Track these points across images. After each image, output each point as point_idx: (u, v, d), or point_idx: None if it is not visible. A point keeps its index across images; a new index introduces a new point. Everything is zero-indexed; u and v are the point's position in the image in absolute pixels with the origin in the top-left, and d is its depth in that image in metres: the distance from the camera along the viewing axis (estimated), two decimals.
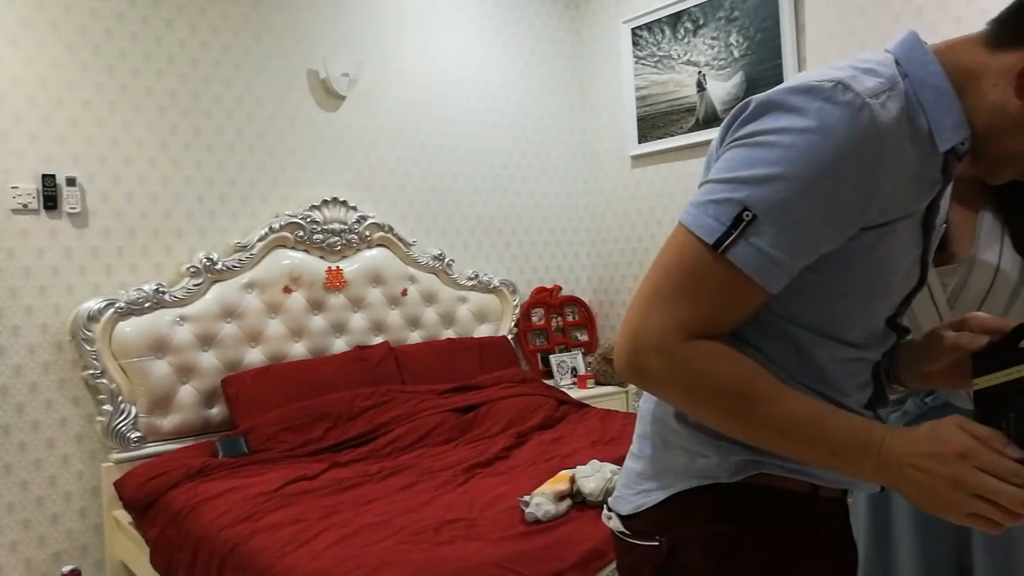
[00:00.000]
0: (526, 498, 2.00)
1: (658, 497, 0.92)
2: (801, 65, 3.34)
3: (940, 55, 0.84)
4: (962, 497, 0.73)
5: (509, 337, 3.84)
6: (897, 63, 0.84)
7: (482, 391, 3.26)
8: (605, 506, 1.03)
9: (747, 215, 0.77)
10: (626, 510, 0.97)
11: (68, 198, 2.82)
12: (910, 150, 0.81)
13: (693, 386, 0.81)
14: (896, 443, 0.77)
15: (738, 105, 0.84)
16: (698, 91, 3.72)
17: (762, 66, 3.45)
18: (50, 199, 2.78)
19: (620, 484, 1.01)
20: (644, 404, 1.00)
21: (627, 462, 1.01)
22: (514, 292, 3.94)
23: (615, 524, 0.99)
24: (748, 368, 0.81)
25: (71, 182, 2.82)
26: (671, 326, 0.80)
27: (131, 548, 2.65)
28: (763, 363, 0.83)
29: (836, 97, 0.77)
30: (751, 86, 3.49)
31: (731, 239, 0.78)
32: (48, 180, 2.78)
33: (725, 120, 0.86)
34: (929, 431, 0.77)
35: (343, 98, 3.48)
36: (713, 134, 3.64)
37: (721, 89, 3.62)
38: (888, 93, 0.80)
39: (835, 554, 0.96)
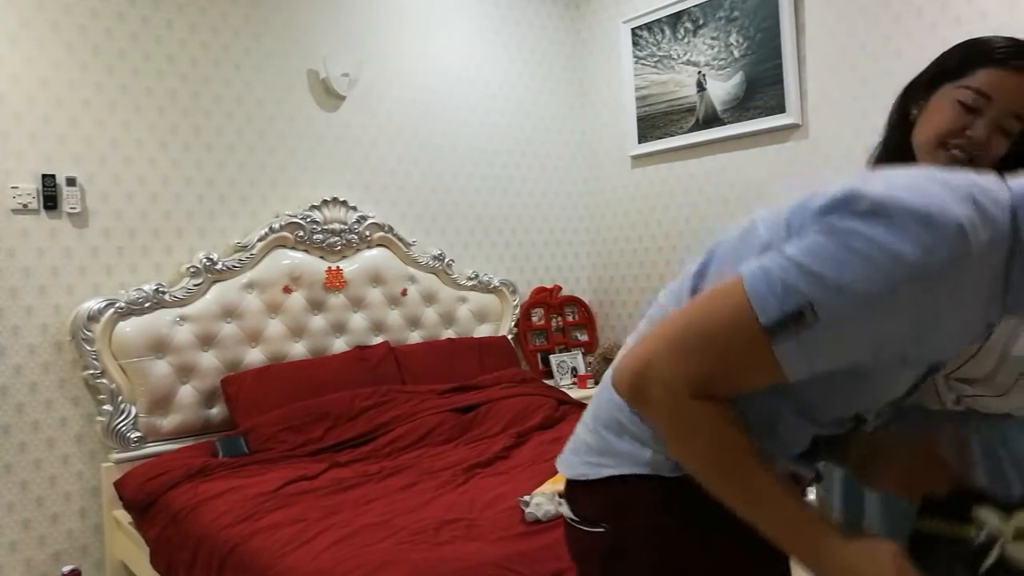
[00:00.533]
0: (526, 498, 2.00)
1: (602, 473, 0.95)
2: (801, 65, 3.34)
3: None
4: None
5: (509, 337, 3.84)
6: (1014, 214, 0.80)
7: (482, 391, 3.26)
8: (557, 495, 1.05)
9: (811, 315, 0.76)
10: (570, 474, 1.00)
11: (68, 198, 2.82)
12: (980, 307, 0.80)
13: (682, 435, 0.83)
14: (835, 548, 0.80)
15: (851, 187, 0.78)
16: (698, 91, 3.72)
17: (762, 66, 3.45)
18: (50, 199, 2.78)
19: (568, 448, 1.04)
20: (603, 388, 1.01)
21: (579, 429, 1.03)
22: (514, 292, 3.94)
23: (566, 511, 1.02)
24: (738, 445, 0.82)
25: (71, 182, 2.82)
26: (688, 375, 0.81)
27: (131, 548, 2.65)
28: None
29: (951, 244, 0.74)
30: (751, 86, 3.49)
31: (785, 330, 0.77)
32: (48, 180, 2.78)
33: (834, 192, 0.80)
34: (868, 550, 0.80)
35: (343, 98, 3.48)
36: (714, 134, 3.65)
37: (721, 89, 3.62)
38: (994, 251, 0.77)
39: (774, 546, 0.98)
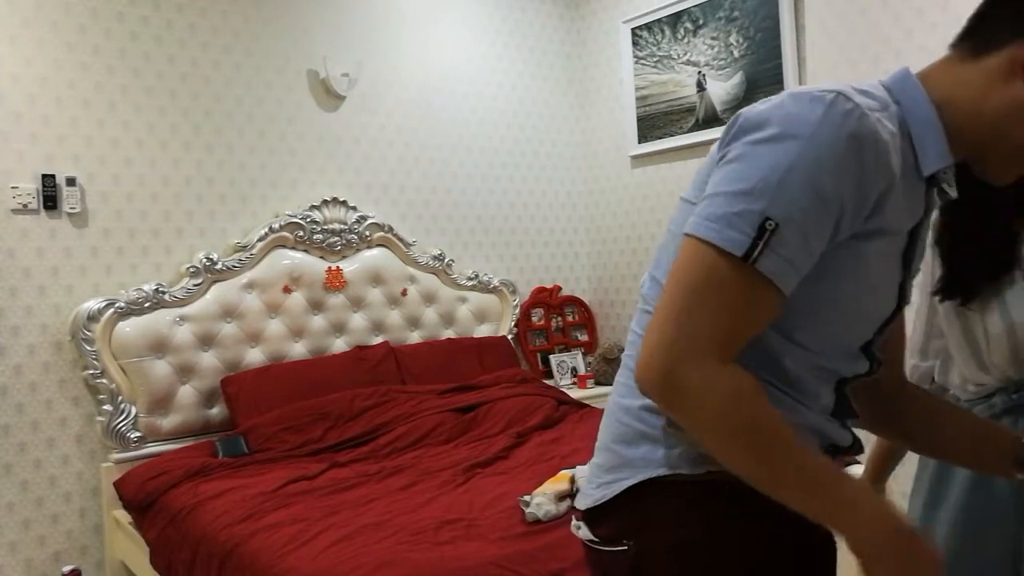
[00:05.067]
0: (527, 498, 2.00)
1: (620, 488, 0.92)
2: (801, 65, 3.34)
3: (933, 91, 0.89)
4: None
5: (509, 337, 3.84)
6: (889, 91, 0.89)
7: (482, 391, 3.26)
8: (573, 518, 1.02)
9: (770, 224, 0.79)
10: (587, 504, 0.97)
11: (68, 198, 2.82)
12: (900, 169, 0.84)
13: (725, 411, 0.80)
14: (882, 514, 0.82)
15: (733, 117, 0.87)
16: (698, 91, 3.72)
17: (762, 66, 3.45)
18: (50, 199, 2.78)
19: (584, 481, 1.00)
20: (614, 394, 0.99)
21: (590, 463, 1.01)
22: (514, 292, 3.94)
23: (584, 533, 0.98)
24: (774, 412, 0.82)
25: (71, 182, 2.82)
26: (706, 344, 0.80)
27: (131, 548, 2.65)
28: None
29: (838, 105, 0.81)
30: (751, 86, 3.49)
31: (759, 250, 0.79)
32: (48, 180, 2.78)
33: (723, 133, 0.88)
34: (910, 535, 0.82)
35: (343, 98, 3.48)
36: (714, 134, 3.64)
37: (721, 89, 3.62)
38: (883, 112, 0.84)
39: (800, 549, 0.94)
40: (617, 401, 0.97)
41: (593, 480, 0.97)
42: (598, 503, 0.95)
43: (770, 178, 0.80)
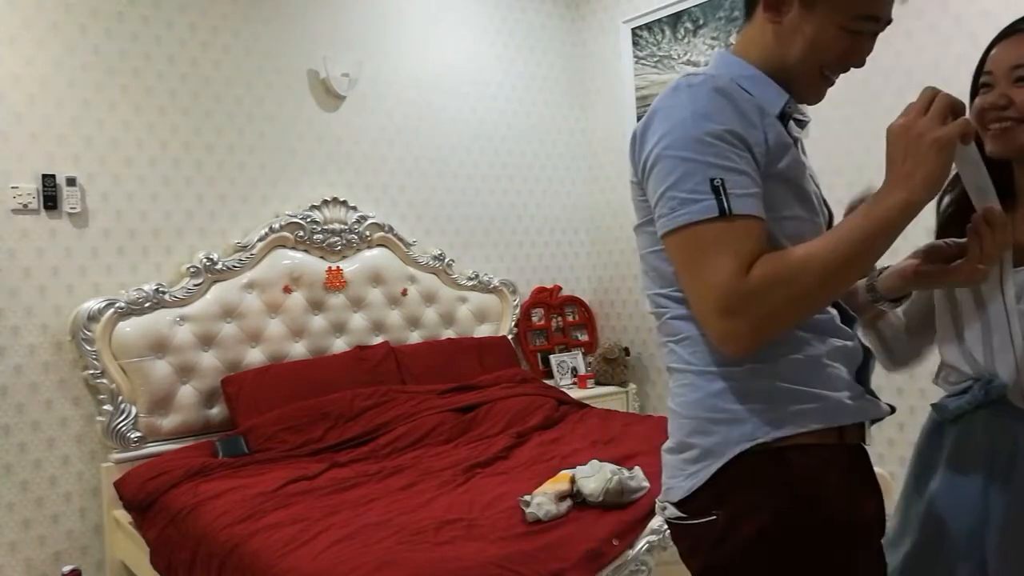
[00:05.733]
0: (527, 498, 2.00)
1: (707, 475, 1.01)
2: None
3: (743, 56, 1.10)
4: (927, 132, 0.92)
5: (509, 337, 3.84)
6: (717, 73, 1.07)
7: (482, 391, 3.26)
8: (657, 501, 1.12)
9: (717, 181, 0.94)
10: (678, 496, 1.05)
11: (68, 198, 2.82)
12: (759, 113, 1.01)
13: (791, 279, 0.92)
14: (894, 190, 0.94)
15: (631, 137, 1.05)
16: None
17: None
18: (50, 199, 2.78)
19: (666, 477, 1.10)
20: (673, 400, 1.09)
21: (666, 457, 1.10)
22: (514, 292, 3.94)
23: (670, 512, 1.07)
24: (802, 246, 0.95)
25: (71, 182, 2.82)
26: (734, 271, 0.92)
27: (131, 548, 2.65)
28: None
29: (692, 80, 1.01)
30: None
31: (727, 202, 0.94)
32: (48, 180, 2.78)
33: (630, 154, 1.06)
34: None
35: (343, 98, 3.48)
36: None
37: None
38: (715, 79, 1.01)
39: (862, 494, 1.05)
40: (678, 405, 1.07)
41: (677, 474, 1.06)
42: (691, 491, 1.03)
43: (688, 156, 0.95)
